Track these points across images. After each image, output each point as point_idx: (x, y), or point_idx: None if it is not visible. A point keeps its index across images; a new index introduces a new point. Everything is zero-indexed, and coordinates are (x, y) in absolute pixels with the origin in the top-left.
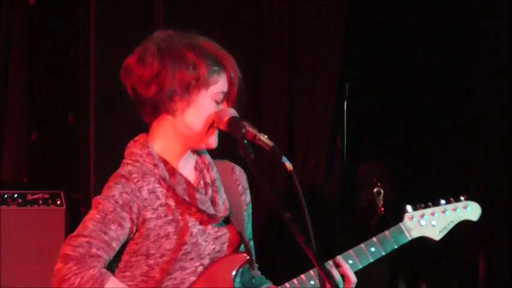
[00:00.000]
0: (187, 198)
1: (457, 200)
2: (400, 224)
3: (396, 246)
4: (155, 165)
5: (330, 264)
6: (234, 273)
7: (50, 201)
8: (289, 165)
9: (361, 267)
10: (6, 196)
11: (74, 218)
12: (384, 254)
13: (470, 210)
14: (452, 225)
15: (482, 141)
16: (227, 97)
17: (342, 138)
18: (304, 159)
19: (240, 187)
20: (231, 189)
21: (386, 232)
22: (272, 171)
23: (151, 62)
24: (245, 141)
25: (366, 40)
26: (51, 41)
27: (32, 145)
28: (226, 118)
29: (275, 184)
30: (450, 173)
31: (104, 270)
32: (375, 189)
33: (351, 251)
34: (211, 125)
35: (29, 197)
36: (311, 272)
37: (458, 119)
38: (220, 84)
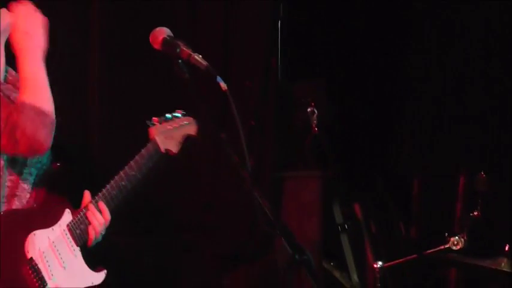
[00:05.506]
0: None
1: (184, 115)
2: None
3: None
4: None
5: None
6: None
7: None
8: (223, 85)
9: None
10: None
11: None
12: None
13: (188, 125)
14: (181, 139)
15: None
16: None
17: (276, 58)
18: (240, 80)
19: None
20: None
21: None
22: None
23: None
24: (180, 61)
25: None
26: None
27: None
28: (160, 37)
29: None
30: (383, 95)
31: None
32: (309, 109)
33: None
34: None
35: None
36: None
37: (393, 40)
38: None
